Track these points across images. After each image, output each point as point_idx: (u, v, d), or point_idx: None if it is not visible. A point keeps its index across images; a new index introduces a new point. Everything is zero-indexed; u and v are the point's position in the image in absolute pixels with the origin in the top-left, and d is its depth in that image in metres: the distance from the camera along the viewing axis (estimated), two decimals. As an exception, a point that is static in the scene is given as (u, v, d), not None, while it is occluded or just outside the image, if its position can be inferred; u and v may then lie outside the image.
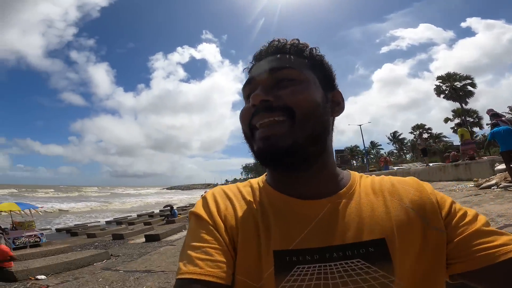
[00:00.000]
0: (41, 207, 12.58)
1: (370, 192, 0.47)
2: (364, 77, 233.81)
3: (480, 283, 0.41)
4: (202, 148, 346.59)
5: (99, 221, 19.40)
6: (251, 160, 0.46)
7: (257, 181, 0.52)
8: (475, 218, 0.44)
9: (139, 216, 20.54)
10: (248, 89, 0.50)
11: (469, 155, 8.97)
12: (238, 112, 0.52)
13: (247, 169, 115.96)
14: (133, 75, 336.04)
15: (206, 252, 0.42)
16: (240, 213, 0.46)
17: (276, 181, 0.50)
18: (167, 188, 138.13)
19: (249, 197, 0.49)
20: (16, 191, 69.41)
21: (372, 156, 69.81)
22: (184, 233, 9.00)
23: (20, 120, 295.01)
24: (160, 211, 22.70)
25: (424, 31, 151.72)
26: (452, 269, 0.43)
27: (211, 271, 0.40)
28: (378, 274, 0.39)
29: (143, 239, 8.77)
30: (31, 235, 9.19)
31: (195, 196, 43.50)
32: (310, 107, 0.45)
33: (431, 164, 16.91)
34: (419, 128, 54.88)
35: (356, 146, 76.40)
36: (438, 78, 39.56)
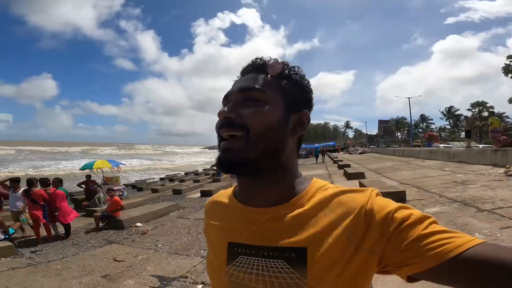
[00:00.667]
0: (125, 165, 13.96)
1: (315, 205, 0.52)
2: (422, 47, 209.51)
3: (433, 281, 0.46)
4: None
5: (154, 178, 21.47)
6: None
7: (231, 191, 0.63)
8: (417, 222, 0.46)
9: (186, 174, 22.38)
10: (225, 102, 0.56)
11: (502, 141, 9.04)
12: None
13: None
14: (177, 41, 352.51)
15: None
16: (214, 217, 0.63)
17: (240, 190, 0.60)
18: (208, 148, 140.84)
19: (221, 206, 0.62)
20: (85, 148, 77.90)
21: (420, 130, 64.69)
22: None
23: (81, 85, 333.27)
24: (204, 169, 25.03)
25: (503, 5, 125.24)
26: (403, 271, 0.46)
27: None
28: (294, 276, 0.47)
29: (199, 194, 9.92)
30: (117, 189, 9.75)
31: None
32: (263, 128, 0.51)
33: (481, 146, 16.15)
34: (479, 105, 49.37)
35: (404, 118, 70.80)
36: (509, 57, 35.29)
